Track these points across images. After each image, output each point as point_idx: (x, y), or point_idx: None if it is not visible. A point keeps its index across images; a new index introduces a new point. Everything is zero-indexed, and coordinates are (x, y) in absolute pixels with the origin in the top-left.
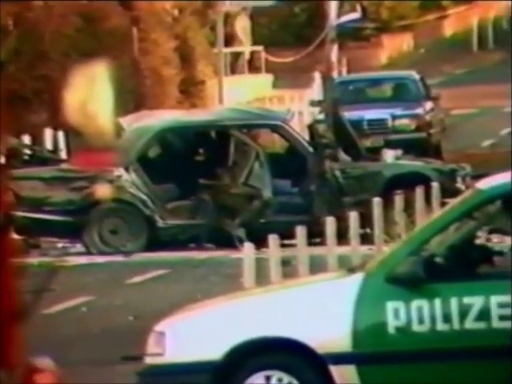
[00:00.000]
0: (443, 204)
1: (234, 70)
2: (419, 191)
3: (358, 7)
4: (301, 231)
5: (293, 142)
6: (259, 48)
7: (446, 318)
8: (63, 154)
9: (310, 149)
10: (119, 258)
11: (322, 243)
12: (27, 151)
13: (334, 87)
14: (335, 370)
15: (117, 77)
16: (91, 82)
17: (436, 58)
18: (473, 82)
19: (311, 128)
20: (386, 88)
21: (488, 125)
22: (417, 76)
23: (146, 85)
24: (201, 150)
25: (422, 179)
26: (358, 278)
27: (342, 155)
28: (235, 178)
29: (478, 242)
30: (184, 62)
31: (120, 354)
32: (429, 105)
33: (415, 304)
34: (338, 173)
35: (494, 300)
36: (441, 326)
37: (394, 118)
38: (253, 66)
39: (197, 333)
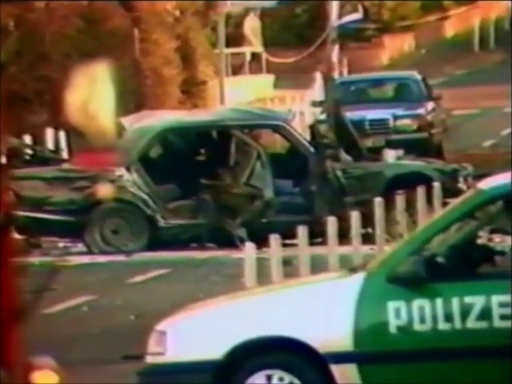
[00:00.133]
0: (445, 204)
1: (235, 70)
2: (421, 191)
3: (360, 8)
4: (302, 231)
5: (294, 142)
6: (260, 49)
7: (448, 318)
8: (64, 154)
9: (312, 149)
10: (120, 258)
11: (324, 243)
12: (28, 151)
13: (335, 87)
14: (336, 370)
15: (118, 77)
16: (92, 82)
17: (437, 58)
18: (474, 83)
19: (313, 128)
20: (388, 88)
21: (489, 125)
22: (418, 76)
23: (148, 85)
24: (202, 150)
25: (424, 179)
26: (359, 277)
27: (344, 155)
28: (236, 178)
29: (479, 241)
30: (185, 62)
31: (121, 354)
32: (430, 105)
33: (416, 304)
34: (339, 173)
35: (496, 300)
36: (442, 325)
37: (396, 118)
38: (254, 67)
39: (198, 332)
